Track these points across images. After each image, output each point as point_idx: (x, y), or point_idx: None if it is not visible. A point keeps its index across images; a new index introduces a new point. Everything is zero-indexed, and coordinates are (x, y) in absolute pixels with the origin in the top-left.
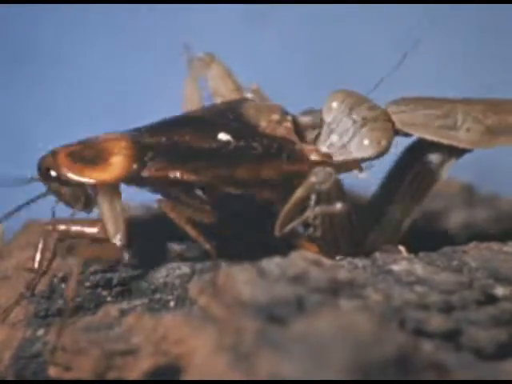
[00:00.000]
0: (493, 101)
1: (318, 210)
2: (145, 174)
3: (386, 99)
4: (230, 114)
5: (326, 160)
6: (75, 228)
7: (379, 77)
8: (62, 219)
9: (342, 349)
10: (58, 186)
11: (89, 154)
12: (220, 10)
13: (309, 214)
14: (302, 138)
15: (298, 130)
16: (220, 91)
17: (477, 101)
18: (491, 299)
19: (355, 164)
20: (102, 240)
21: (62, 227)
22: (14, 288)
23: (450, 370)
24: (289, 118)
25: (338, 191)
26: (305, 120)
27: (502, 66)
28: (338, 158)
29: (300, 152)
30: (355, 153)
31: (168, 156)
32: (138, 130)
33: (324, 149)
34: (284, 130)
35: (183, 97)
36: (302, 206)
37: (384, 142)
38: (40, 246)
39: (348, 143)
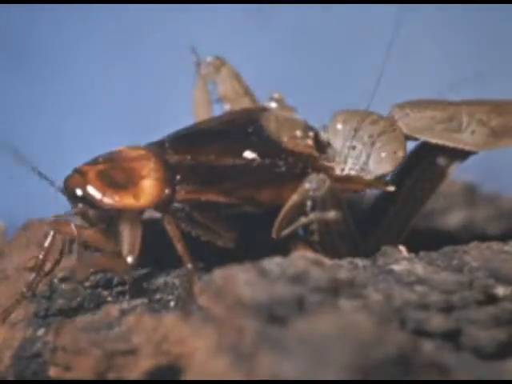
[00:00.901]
0: (496, 102)
1: (312, 216)
2: (176, 198)
3: (389, 100)
4: (250, 127)
5: (350, 177)
6: (89, 235)
7: (379, 76)
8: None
9: (342, 349)
10: (85, 207)
11: (117, 175)
12: (220, 10)
13: (304, 220)
14: (323, 155)
15: (320, 146)
16: (230, 95)
17: (481, 102)
18: (492, 299)
19: (380, 181)
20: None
21: (77, 231)
22: (14, 288)
23: (450, 370)
24: (311, 134)
25: (334, 198)
26: (325, 136)
27: (501, 65)
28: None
29: (323, 170)
30: (376, 171)
31: (196, 178)
32: (159, 144)
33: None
34: (306, 147)
35: (193, 100)
36: (301, 210)
37: (400, 152)
38: (46, 245)
39: (366, 164)
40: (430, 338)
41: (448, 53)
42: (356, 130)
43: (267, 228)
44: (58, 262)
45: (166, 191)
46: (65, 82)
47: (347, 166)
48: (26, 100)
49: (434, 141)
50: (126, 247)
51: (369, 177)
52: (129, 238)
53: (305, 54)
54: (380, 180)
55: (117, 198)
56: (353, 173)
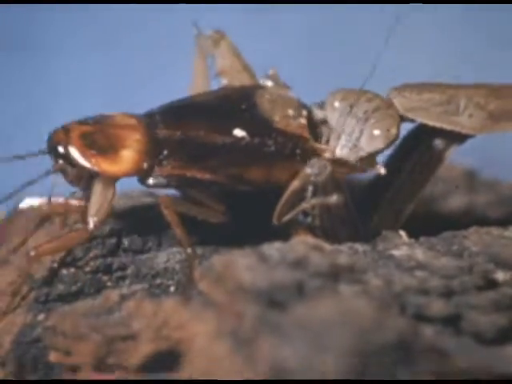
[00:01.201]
0: (495, 86)
1: (314, 201)
2: (159, 172)
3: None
4: (244, 104)
5: (340, 160)
6: (62, 207)
7: (379, 72)
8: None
9: (342, 334)
10: (64, 164)
11: (101, 139)
12: (220, 10)
13: (305, 205)
14: (315, 135)
15: (313, 125)
16: (228, 70)
17: (479, 86)
18: (491, 284)
19: (372, 161)
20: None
21: (49, 206)
22: (15, 273)
23: (450, 355)
24: (304, 113)
25: (335, 183)
26: (319, 115)
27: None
28: (353, 158)
29: (313, 151)
30: (367, 148)
31: (184, 154)
32: (152, 116)
33: (338, 152)
34: (298, 126)
35: (192, 74)
36: (301, 195)
37: (393, 129)
38: (30, 229)
39: (358, 141)
40: (430, 323)
41: (448, 46)
42: (351, 107)
43: (268, 213)
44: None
45: (144, 165)
46: (60, 69)
47: (340, 142)
48: (24, 95)
49: (431, 123)
50: (91, 209)
51: (361, 153)
52: (97, 202)
53: (305, 53)
54: (371, 162)
55: (93, 160)
56: (345, 150)
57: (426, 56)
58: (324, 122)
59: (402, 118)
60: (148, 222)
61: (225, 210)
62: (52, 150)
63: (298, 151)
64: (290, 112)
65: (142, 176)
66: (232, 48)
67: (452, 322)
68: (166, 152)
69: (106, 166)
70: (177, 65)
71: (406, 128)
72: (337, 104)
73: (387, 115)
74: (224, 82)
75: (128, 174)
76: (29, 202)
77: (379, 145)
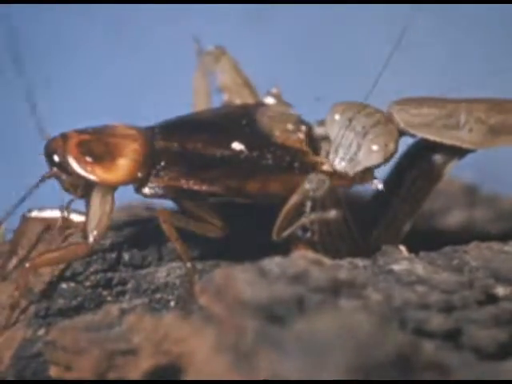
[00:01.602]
0: (496, 100)
1: (313, 216)
2: (156, 182)
3: (388, 99)
4: (244, 120)
5: (338, 172)
6: (60, 218)
7: (379, 76)
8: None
9: (342, 349)
10: (59, 172)
11: (98, 147)
12: (219, 10)
13: (304, 220)
14: (314, 150)
15: (312, 140)
16: (229, 85)
17: (480, 100)
18: (492, 299)
19: (369, 175)
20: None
21: (47, 216)
22: (14, 287)
23: (450, 370)
24: (303, 128)
25: (333, 197)
26: (319, 131)
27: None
28: (350, 171)
29: (311, 164)
30: (365, 162)
31: (181, 165)
32: (152, 129)
33: (336, 164)
34: (297, 140)
35: (193, 90)
36: (301, 210)
37: (391, 145)
38: (17, 231)
39: (356, 154)
40: (430, 337)
41: (450, 52)
42: (350, 120)
43: (268, 228)
44: (32, 248)
45: (139, 174)
46: (64, 76)
47: (338, 155)
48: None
49: (431, 138)
50: (91, 223)
51: (358, 167)
52: (96, 214)
53: (305, 54)
54: (368, 175)
55: (89, 168)
56: (343, 163)
57: (428, 66)
58: (324, 137)
59: (403, 133)
60: (148, 236)
61: (223, 225)
62: (48, 157)
63: (296, 164)
64: (290, 127)
65: (138, 185)
66: (233, 63)
67: (452, 336)
68: (163, 163)
69: (101, 174)
70: (178, 76)
71: (405, 142)
72: (337, 117)
73: (386, 130)
74: (225, 97)
75: (122, 183)
76: (36, 214)
77: (377, 160)
